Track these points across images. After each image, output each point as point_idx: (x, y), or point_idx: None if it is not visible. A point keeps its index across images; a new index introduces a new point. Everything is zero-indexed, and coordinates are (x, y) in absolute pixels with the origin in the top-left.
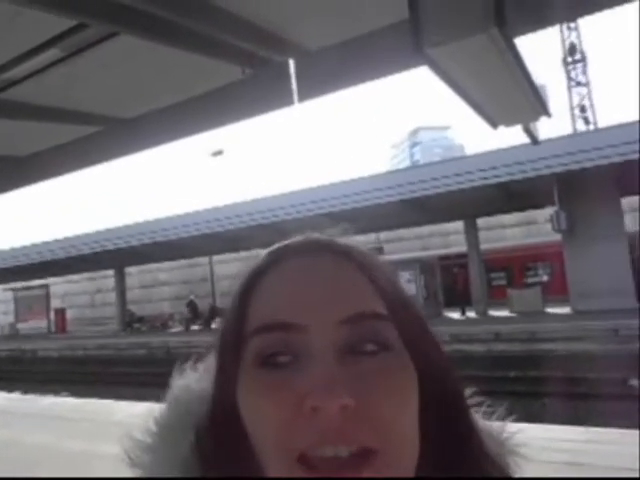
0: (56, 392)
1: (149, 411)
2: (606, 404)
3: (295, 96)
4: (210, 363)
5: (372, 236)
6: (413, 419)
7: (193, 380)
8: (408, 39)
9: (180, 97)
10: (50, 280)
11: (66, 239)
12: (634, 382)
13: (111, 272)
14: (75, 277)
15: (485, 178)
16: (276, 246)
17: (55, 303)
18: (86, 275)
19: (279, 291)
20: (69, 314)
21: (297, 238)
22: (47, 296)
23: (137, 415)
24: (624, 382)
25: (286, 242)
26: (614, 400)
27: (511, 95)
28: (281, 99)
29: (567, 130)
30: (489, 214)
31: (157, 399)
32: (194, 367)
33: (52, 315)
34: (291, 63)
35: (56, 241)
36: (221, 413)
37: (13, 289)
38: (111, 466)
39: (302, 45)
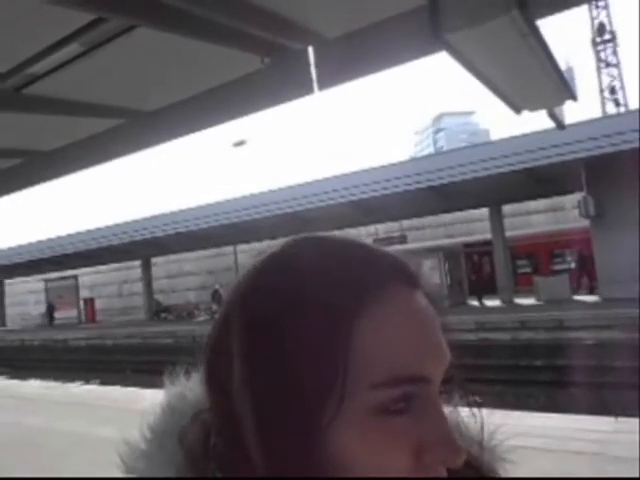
0: (87, 380)
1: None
2: (636, 393)
3: (315, 84)
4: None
5: (396, 224)
6: None
7: (187, 389)
8: (424, 24)
9: (200, 88)
10: (79, 271)
11: (94, 231)
12: None
13: (137, 262)
14: (103, 268)
15: (512, 164)
16: (361, 258)
17: (84, 293)
18: (113, 266)
19: (398, 336)
20: (97, 304)
21: (365, 247)
22: (76, 286)
23: (158, 404)
24: None
25: (366, 253)
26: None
27: (534, 79)
28: (301, 88)
29: (597, 113)
30: (515, 201)
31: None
32: (186, 376)
33: (82, 305)
34: (310, 51)
35: (84, 233)
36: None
37: (45, 279)
38: None
39: (321, 33)
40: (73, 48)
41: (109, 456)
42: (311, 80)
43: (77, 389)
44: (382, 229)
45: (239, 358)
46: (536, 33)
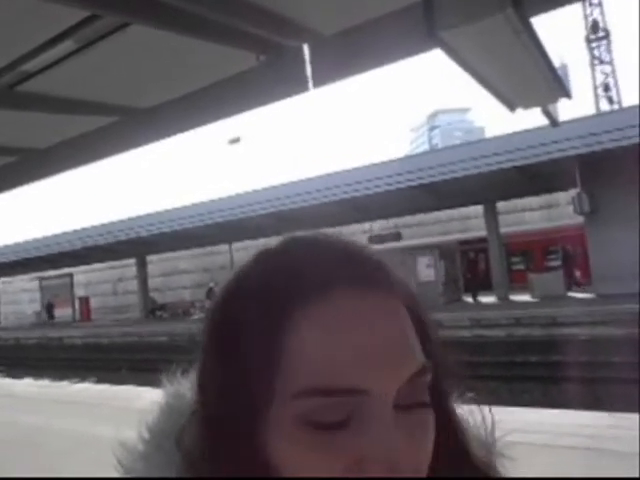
0: (83, 378)
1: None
2: (630, 388)
3: (310, 82)
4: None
5: (390, 221)
6: None
7: (186, 388)
8: (418, 22)
9: (195, 86)
10: (74, 269)
11: (88, 229)
12: None
13: (133, 260)
14: (98, 266)
15: (505, 161)
16: (309, 256)
17: (78, 292)
18: (108, 264)
19: (335, 343)
20: (92, 302)
21: (317, 243)
22: (72, 284)
23: (156, 402)
24: None
25: (315, 252)
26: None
27: (528, 77)
28: (296, 85)
29: (591, 110)
30: (509, 197)
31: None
32: (185, 375)
33: (77, 303)
34: (305, 48)
35: (80, 231)
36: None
37: (39, 278)
38: None
39: (316, 30)
40: (67, 45)
41: (109, 455)
42: (306, 77)
43: (73, 387)
44: (377, 226)
45: (199, 358)
46: (530, 31)
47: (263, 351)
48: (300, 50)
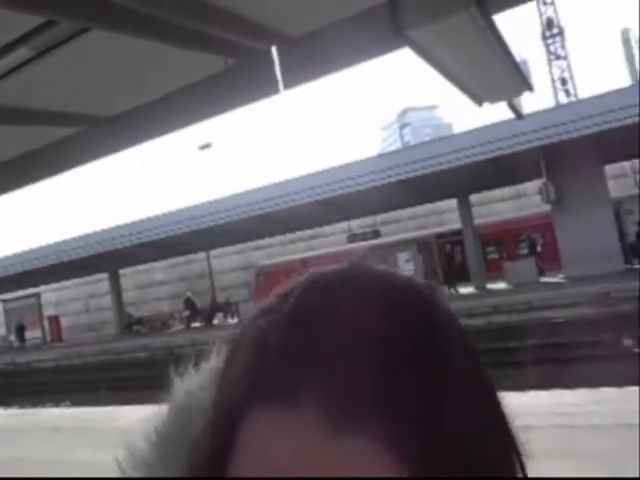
0: (57, 402)
1: (153, 414)
2: (605, 365)
3: (280, 84)
4: (214, 365)
5: (369, 219)
6: None
7: (196, 386)
8: (386, 22)
9: (162, 91)
10: (41, 288)
11: (55, 245)
12: (628, 342)
13: (104, 275)
14: (67, 283)
15: (476, 154)
16: (302, 345)
17: (48, 311)
18: (79, 280)
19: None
20: (64, 321)
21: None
22: (39, 305)
23: (141, 419)
24: (618, 342)
25: (320, 344)
26: (612, 360)
27: (494, 72)
28: (266, 88)
29: (550, 103)
30: (481, 190)
31: (161, 402)
32: (196, 369)
33: (46, 324)
34: (274, 51)
35: (45, 247)
36: None
37: (2, 300)
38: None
39: (284, 32)
40: (22, 53)
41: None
42: (276, 80)
43: (47, 413)
44: (355, 225)
45: None
46: (493, 28)
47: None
48: (269, 53)
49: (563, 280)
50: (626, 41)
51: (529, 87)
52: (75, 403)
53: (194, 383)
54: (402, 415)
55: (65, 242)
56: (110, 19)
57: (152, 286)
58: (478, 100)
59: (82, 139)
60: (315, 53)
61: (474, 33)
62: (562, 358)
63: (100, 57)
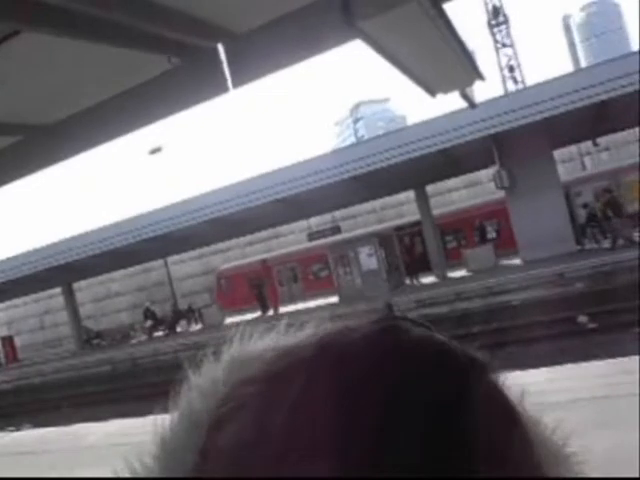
0: (17, 426)
1: (122, 428)
2: (562, 342)
3: (229, 82)
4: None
5: (328, 216)
6: None
7: (207, 385)
8: (336, 14)
9: (104, 95)
10: None
11: (2, 261)
12: (582, 319)
13: (58, 290)
14: (19, 301)
15: (430, 145)
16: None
17: (1, 332)
18: (31, 297)
19: None
20: (18, 341)
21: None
22: None
23: (110, 434)
24: (574, 320)
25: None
26: (569, 337)
27: (446, 62)
28: (215, 87)
29: (499, 91)
30: (436, 180)
31: (126, 415)
32: (209, 366)
33: None
34: (220, 48)
35: None
36: None
37: None
38: None
39: (230, 28)
40: None
41: None
42: (225, 78)
43: (8, 438)
44: (315, 222)
45: None
46: (443, 16)
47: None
48: (215, 51)
49: (520, 264)
50: (567, 27)
51: (481, 76)
52: (37, 424)
53: (203, 381)
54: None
55: (12, 258)
56: (40, 19)
57: (110, 297)
58: (431, 91)
59: (21, 149)
60: (264, 49)
61: (425, 22)
62: (523, 339)
63: (31, 62)
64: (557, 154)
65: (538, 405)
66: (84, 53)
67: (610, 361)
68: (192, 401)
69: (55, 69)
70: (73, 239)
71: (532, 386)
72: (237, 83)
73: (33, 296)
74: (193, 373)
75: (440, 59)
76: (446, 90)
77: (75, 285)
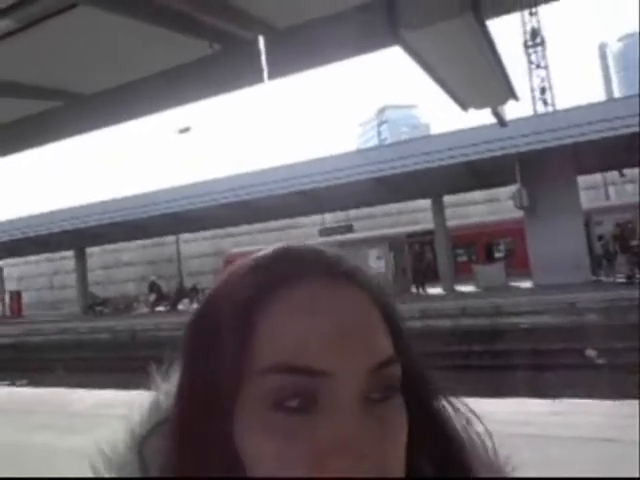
0: (13, 380)
1: (112, 400)
2: (567, 374)
3: (265, 74)
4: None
5: (342, 214)
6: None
7: (174, 389)
8: (380, 19)
9: (144, 72)
10: (5, 262)
11: (22, 219)
12: (590, 353)
13: (71, 253)
14: (33, 258)
15: (455, 156)
16: (280, 256)
17: (11, 286)
18: (45, 256)
19: (301, 325)
20: (26, 297)
21: (291, 248)
22: (1, 279)
23: (100, 404)
24: (581, 353)
25: (288, 252)
26: (574, 370)
27: (483, 79)
28: (251, 76)
29: (528, 111)
30: (455, 192)
31: (121, 386)
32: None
33: (7, 298)
34: (261, 40)
35: (11, 221)
36: (212, 453)
37: None
38: (77, 461)
39: (272, 22)
40: (6, 24)
41: (44, 466)
42: (261, 69)
43: (2, 391)
44: (329, 218)
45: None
46: (487, 35)
47: (234, 335)
48: (255, 42)
49: (532, 286)
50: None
51: (515, 96)
52: (32, 382)
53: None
54: (366, 281)
55: (32, 217)
56: None
57: (119, 267)
58: (464, 105)
59: (60, 115)
60: (303, 45)
61: (467, 38)
62: (526, 365)
63: (83, 34)
64: (581, 180)
65: (544, 438)
66: (131, 31)
67: (617, 402)
68: (159, 402)
69: (102, 43)
70: (91, 206)
71: (531, 416)
72: (273, 75)
73: (46, 255)
74: (162, 379)
75: (477, 75)
76: (479, 106)
77: (88, 250)
